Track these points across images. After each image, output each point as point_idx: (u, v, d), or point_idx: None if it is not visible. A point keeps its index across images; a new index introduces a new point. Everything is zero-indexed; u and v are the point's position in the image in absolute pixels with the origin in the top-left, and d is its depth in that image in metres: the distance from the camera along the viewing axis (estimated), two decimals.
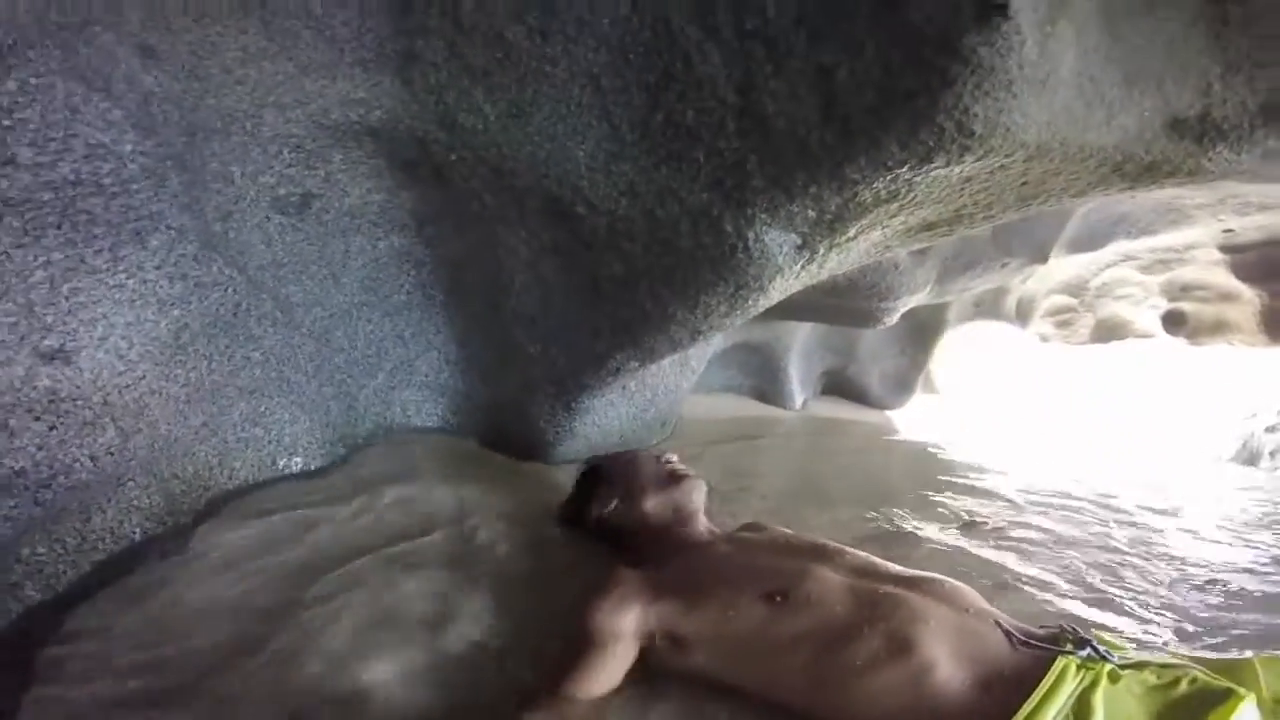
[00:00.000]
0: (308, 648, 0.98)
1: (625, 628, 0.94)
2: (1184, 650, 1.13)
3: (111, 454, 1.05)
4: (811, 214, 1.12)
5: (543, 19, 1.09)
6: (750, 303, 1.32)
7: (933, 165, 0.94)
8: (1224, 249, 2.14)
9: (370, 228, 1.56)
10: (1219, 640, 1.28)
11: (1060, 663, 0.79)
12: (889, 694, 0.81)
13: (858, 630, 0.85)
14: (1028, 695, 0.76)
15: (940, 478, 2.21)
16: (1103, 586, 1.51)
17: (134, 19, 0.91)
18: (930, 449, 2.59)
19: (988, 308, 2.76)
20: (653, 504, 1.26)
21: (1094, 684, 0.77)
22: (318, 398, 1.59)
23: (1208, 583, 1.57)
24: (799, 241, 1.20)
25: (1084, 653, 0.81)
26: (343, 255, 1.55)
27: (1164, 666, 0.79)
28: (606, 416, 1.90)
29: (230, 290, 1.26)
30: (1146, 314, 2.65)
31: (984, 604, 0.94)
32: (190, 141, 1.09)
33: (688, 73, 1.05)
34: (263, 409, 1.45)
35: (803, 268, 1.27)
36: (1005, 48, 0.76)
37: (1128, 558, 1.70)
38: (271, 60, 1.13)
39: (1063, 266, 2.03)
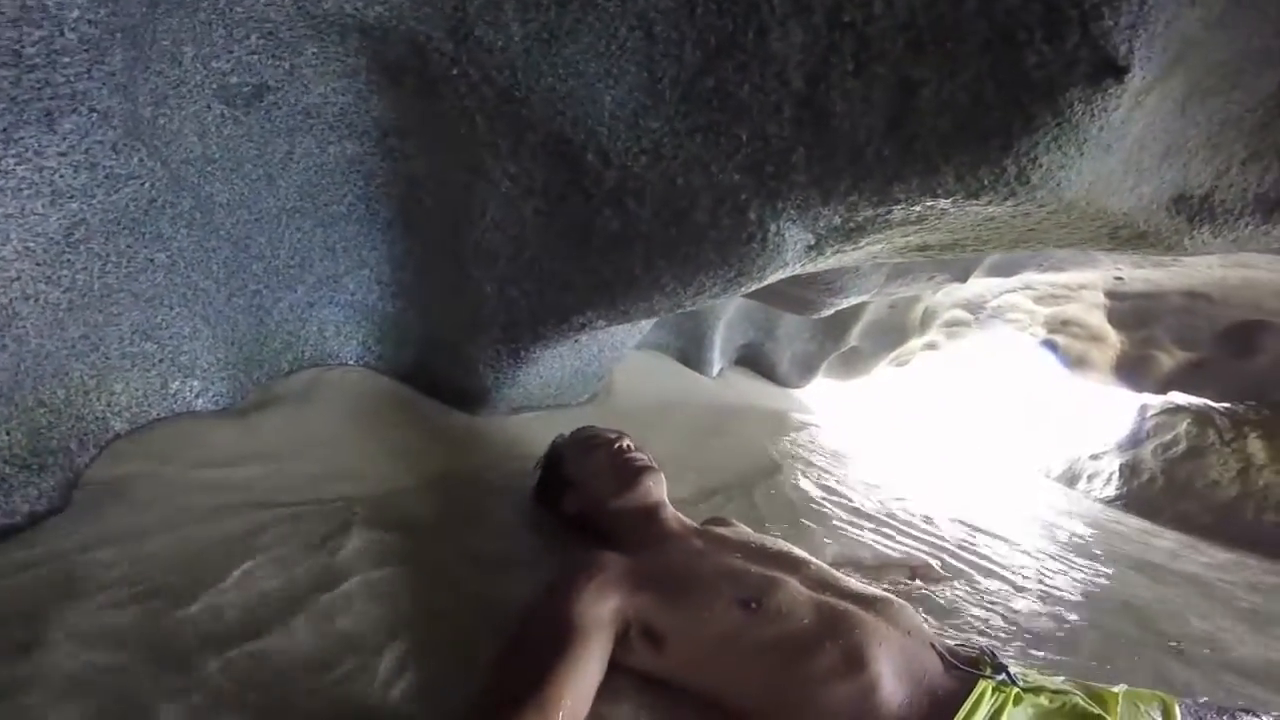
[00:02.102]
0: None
1: (606, 616, 0.89)
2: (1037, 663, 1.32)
3: None
4: (838, 220, 1.11)
5: None
6: (743, 288, 1.31)
7: (976, 202, 0.96)
8: (1108, 294, 2.51)
9: (324, 130, 1.31)
10: (1046, 652, 1.44)
11: (980, 685, 0.87)
12: (837, 706, 0.85)
13: (820, 644, 0.88)
14: (953, 714, 0.84)
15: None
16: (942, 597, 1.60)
17: None
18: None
19: (899, 310, 3.01)
20: (614, 500, 1.20)
21: (1003, 706, 0.86)
22: (225, 309, 1.34)
23: (1038, 597, 1.75)
24: (812, 241, 1.19)
25: (999, 677, 0.90)
26: (284, 156, 1.28)
27: (1055, 692, 0.91)
28: (551, 368, 1.82)
29: (147, 184, 0.99)
30: (1027, 340, 3.07)
31: (922, 625, 1.00)
32: (150, 13, 0.80)
33: (759, 45, 0.96)
34: (159, 320, 1.18)
35: (802, 264, 1.27)
36: (1100, 109, 0.79)
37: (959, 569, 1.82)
38: None
39: (966, 286, 2.25)
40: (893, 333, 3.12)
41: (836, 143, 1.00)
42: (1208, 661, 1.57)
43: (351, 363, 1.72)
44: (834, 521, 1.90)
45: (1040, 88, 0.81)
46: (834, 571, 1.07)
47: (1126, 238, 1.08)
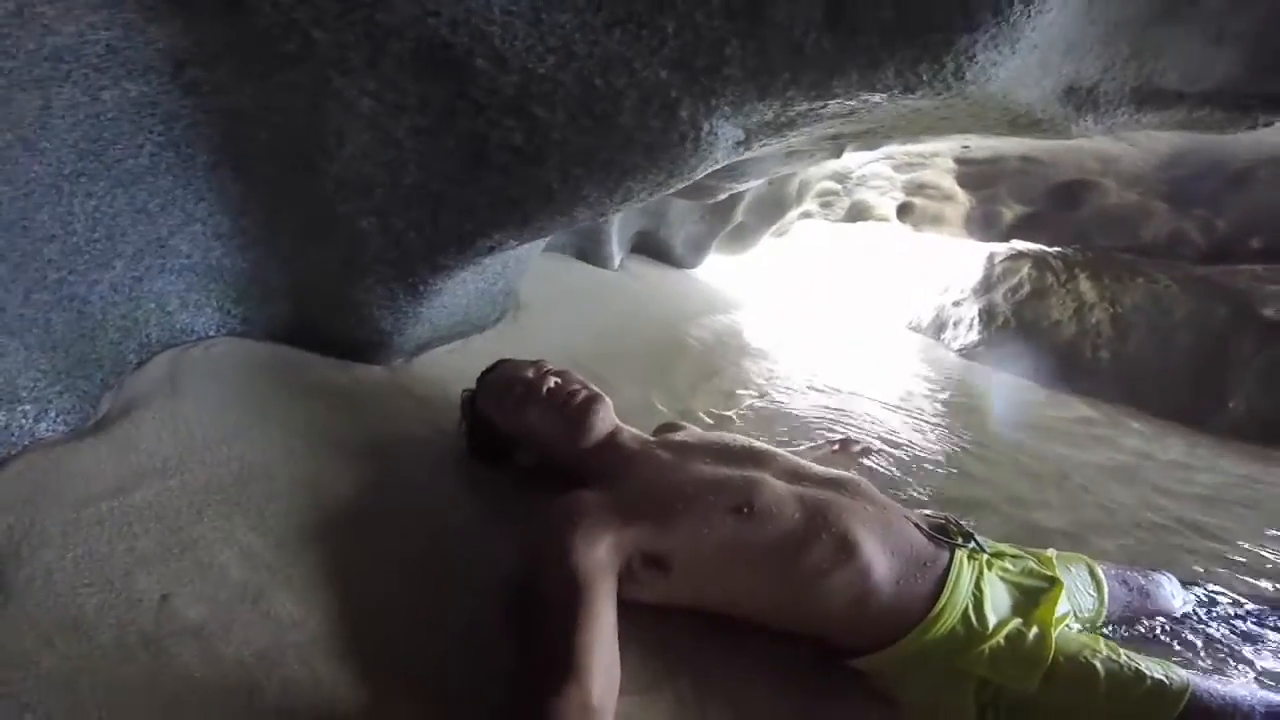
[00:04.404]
0: None
1: (605, 557, 0.85)
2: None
3: None
4: (769, 115, 1.05)
5: None
6: (671, 189, 1.23)
7: (911, 96, 0.95)
8: (957, 160, 2.74)
9: (90, 74, 0.96)
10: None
11: (960, 554, 0.94)
12: (842, 590, 0.88)
13: (815, 536, 0.90)
14: (943, 581, 0.90)
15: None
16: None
17: None
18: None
19: (777, 186, 3.07)
20: (568, 446, 1.12)
21: (981, 572, 0.93)
22: (28, 311, 1.03)
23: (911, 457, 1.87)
24: (742, 137, 1.13)
25: (970, 544, 0.96)
26: (39, 113, 0.93)
27: (1014, 556, 1.00)
28: (455, 296, 1.65)
29: None
30: (888, 203, 3.30)
31: (890, 501, 1.02)
32: None
33: None
34: None
35: (729, 159, 1.21)
36: (1037, 10, 0.78)
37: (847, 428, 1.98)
38: None
39: (842, 159, 2.34)
40: (774, 207, 3.21)
41: (773, 35, 0.91)
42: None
43: (212, 334, 1.43)
44: (759, 405, 2.04)
45: None
46: (798, 459, 1.08)
47: (1024, 125, 1.15)
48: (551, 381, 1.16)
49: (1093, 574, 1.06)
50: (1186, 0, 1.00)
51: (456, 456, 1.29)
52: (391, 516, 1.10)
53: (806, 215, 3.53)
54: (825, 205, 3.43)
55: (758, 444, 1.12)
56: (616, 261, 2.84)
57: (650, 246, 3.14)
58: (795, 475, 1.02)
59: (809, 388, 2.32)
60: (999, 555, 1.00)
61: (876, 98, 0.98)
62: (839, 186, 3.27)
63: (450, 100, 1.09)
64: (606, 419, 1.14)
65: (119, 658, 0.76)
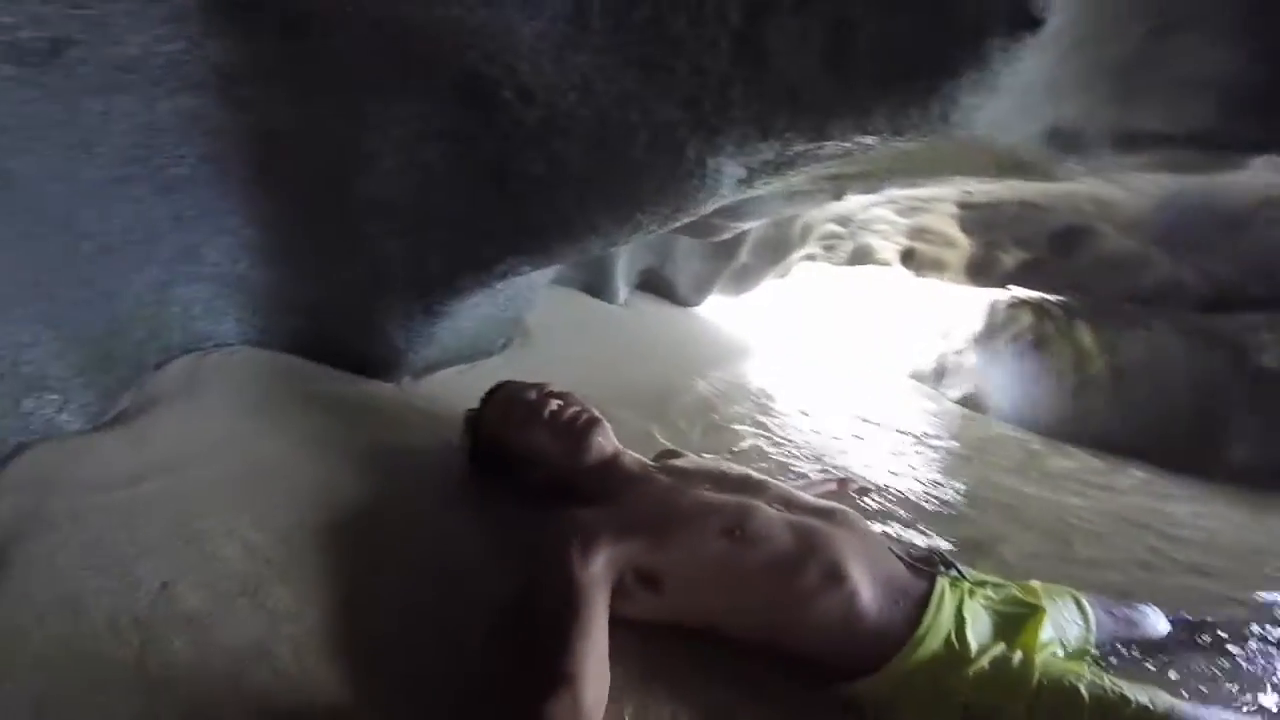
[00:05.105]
0: None
1: (600, 572, 0.88)
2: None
3: None
4: (771, 155, 1.13)
5: None
6: (679, 222, 1.30)
7: (900, 139, 1.02)
8: (959, 205, 2.82)
9: (148, 86, 1.05)
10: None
11: (940, 582, 0.96)
12: (828, 616, 0.90)
13: (803, 561, 0.92)
14: (924, 609, 0.91)
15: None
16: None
17: None
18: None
19: (781, 227, 3.16)
20: (570, 465, 1.15)
21: (962, 599, 0.94)
22: (65, 304, 1.09)
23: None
24: (744, 175, 1.20)
25: (952, 573, 0.99)
26: (100, 118, 1.02)
27: (995, 585, 1.02)
28: (466, 319, 1.71)
29: None
30: (890, 248, 3.38)
31: (875, 532, 1.05)
32: None
33: None
34: None
35: (733, 196, 1.29)
36: (1014, 57, 0.86)
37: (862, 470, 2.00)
38: None
39: (844, 202, 2.42)
40: (777, 248, 3.30)
41: (774, 80, 0.99)
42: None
43: (232, 342, 1.49)
44: (758, 444, 2.06)
45: (967, 35, 0.86)
46: (791, 489, 1.12)
47: (1009, 166, 1.23)
48: (554, 403, 1.20)
49: (1079, 605, 1.07)
50: (1160, 45, 1.07)
51: (459, 471, 1.31)
52: (393, 522, 1.13)
53: (810, 258, 3.61)
54: (828, 248, 3.51)
55: (753, 473, 1.17)
56: (622, 297, 2.91)
57: (655, 284, 3.22)
58: (787, 503, 1.06)
59: (810, 429, 2.35)
60: (981, 584, 1.02)
61: (869, 140, 1.05)
62: (842, 229, 3.36)
63: (478, 129, 1.18)
64: (607, 440, 1.18)
65: (110, 639, 0.79)
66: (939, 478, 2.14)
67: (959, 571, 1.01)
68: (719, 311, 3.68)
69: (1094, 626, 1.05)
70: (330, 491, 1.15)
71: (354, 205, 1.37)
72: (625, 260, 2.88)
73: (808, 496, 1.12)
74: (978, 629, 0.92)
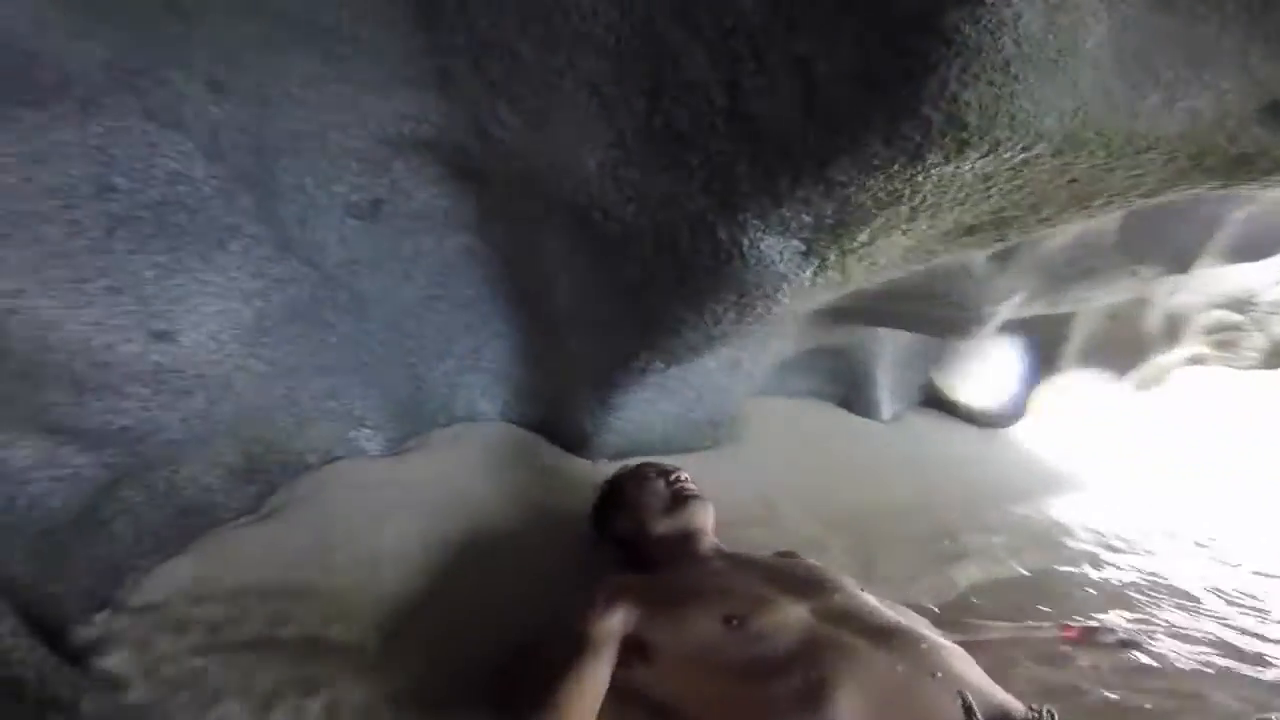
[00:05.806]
0: None
1: (615, 629, 0.96)
2: None
3: (200, 418, 1.30)
4: (807, 219, 1.04)
5: (546, 32, 1.12)
6: (760, 310, 1.26)
7: (929, 162, 0.82)
8: None
9: (437, 228, 1.71)
10: None
11: None
12: None
13: (788, 671, 0.83)
14: None
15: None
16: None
17: (202, 57, 1.10)
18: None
19: (1124, 321, 2.27)
20: (659, 524, 1.27)
21: None
22: (388, 377, 1.80)
23: None
24: (802, 248, 1.12)
25: None
26: (413, 253, 1.71)
27: None
28: (645, 413, 1.92)
29: (306, 284, 1.47)
30: None
31: (964, 672, 0.85)
32: (259, 161, 1.29)
33: (677, 75, 1.02)
34: (337, 384, 1.67)
35: (816, 275, 1.18)
36: (995, 23, 0.65)
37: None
38: (330, 83, 1.29)
39: (1223, 278, 1.60)
40: (1125, 348, 2.31)
41: (768, 143, 0.96)
42: None
43: (494, 418, 2.09)
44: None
45: (915, 23, 0.69)
46: (867, 603, 0.96)
47: (1224, 167, 0.75)
48: (680, 474, 1.37)
49: None
50: None
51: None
52: (506, 566, 1.41)
53: (1196, 360, 2.37)
54: (1222, 345, 2.24)
55: (832, 577, 1.04)
56: (886, 411, 2.57)
57: (942, 399, 2.70)
58: (839, 615, 0.92)
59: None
60: None
61: (900, 173, 0.87)
62: (1240, 318, 2.12)
63: (593, 245, 1.47)
64: (698, 516, 1.26)
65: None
66: None
67: None
68: (1042, 434, 2.74)
69: None
70: (481, 519, 1.53)
71: (555, 314, 1.81)
72: (890, 370, 2.58)
73: (885, 615, 0.93)
74: None
